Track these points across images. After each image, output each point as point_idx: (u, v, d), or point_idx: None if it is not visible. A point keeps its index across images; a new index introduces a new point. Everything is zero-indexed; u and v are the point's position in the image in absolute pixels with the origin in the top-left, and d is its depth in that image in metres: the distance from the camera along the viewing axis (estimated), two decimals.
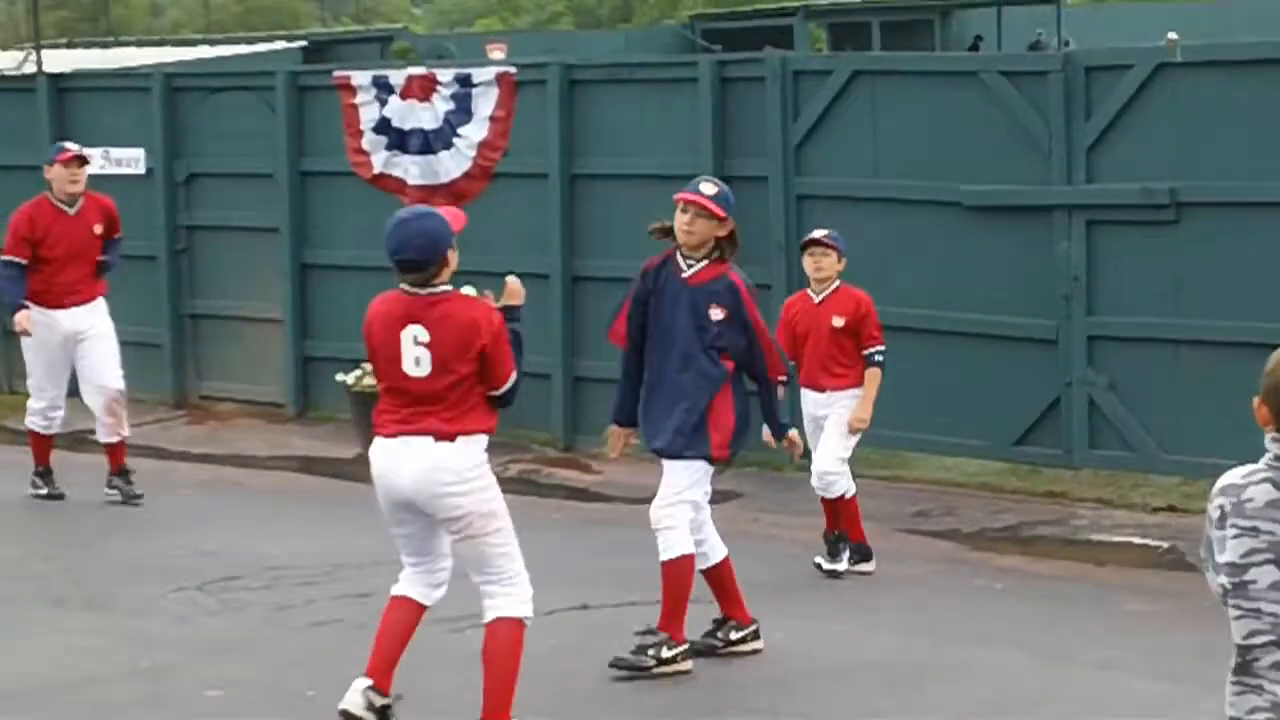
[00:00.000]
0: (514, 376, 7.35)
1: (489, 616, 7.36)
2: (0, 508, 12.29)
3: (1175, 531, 11.19)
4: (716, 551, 8.73)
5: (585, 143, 13.88)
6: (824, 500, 10.40)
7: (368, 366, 14.59)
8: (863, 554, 10.42)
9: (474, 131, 14.33)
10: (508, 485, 11.55)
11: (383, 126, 14.73)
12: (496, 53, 22.53)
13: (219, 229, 15.79)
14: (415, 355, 7.22)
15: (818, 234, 10.59)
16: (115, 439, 12.37)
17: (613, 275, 13.67)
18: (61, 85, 16.53)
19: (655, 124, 13.54)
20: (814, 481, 10.42)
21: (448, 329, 7.21)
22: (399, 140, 14.66)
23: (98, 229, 12.30)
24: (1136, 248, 11.70)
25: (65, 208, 12.18)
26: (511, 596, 7.36)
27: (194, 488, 13.17)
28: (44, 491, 12.42)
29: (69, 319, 12.22)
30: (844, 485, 10.42)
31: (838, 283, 10.52)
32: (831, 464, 10.35)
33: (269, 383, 15.39)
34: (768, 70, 13.01)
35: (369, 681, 7.31)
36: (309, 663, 8.68)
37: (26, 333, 12.11)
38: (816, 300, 10.54)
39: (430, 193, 14.53)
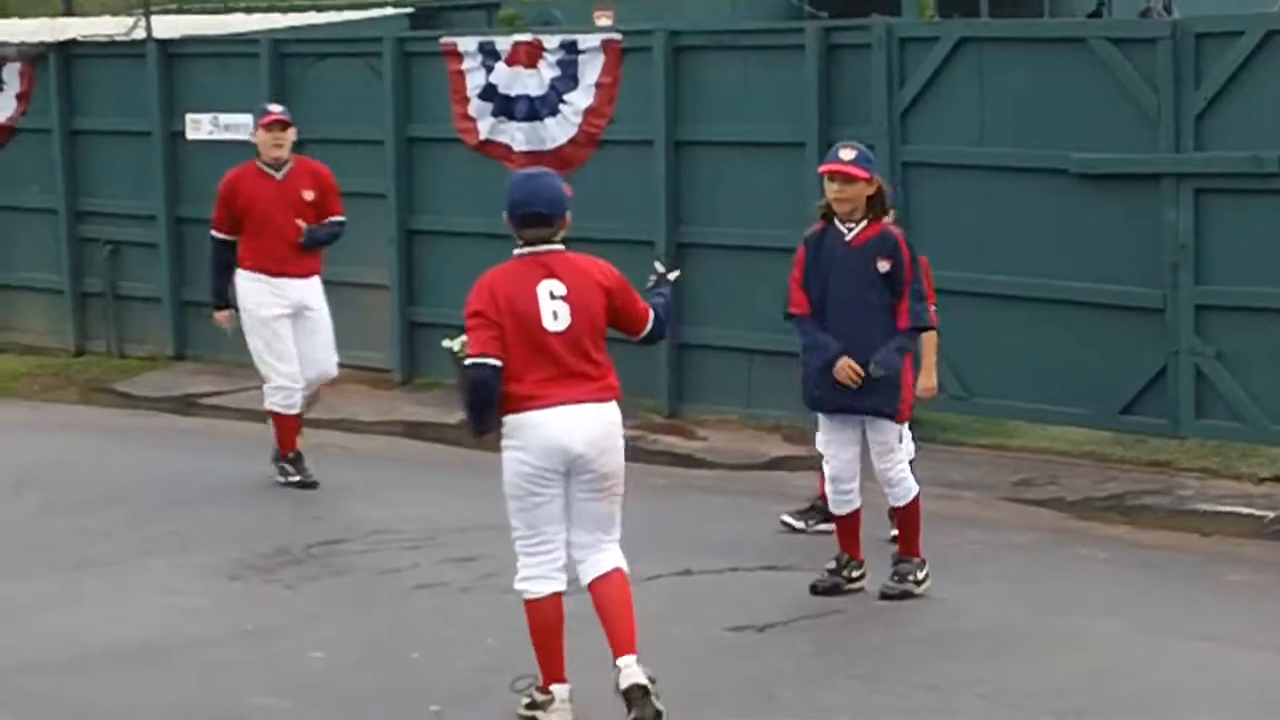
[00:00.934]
0: (652, 316, 7.52)
1: (606, 567, 7.34)
2: (112, 470, 12.45)
3: None
4: (859, 498, 9.23)
5: (690, 110, 13.86)
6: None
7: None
8: (826, 514, 10.25)
9: (580, 98, 14.36)
10: None
11: (489, 93, 14.79)
12: (603, 19, 22.49)
13: None
14: (554, 309, 7.22)
15: None
16: (303, 411, 11.99)
17: (717, 242, 13.71)
18: (171, 51, 16.67)
19: (760, 91, 13.51)
20: None
21: (580, 280, 7.30)
22: (505, 107, 14.72)
23: (307, 195, 11.79)
24: (1245, 216, 11.57)
25: (272, 172, 11.78)
26: (619, 549, 7.42)
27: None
28: (295, 479, 11.73)
29: (294, 289, 11.80)
30: None
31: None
32: None
33: (376, 348, 15.49)
34: (874, 37, 12.94)
35: (566, 688, 7.32)
36: (412, 625, 8.75)
37: (223, 322, 11.97)
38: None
39: (536, 159, 14.56)
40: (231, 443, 13.61)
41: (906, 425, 9.32)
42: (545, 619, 7.30)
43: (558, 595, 7.31)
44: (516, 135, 14.63)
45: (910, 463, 9.42)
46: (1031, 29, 12.38)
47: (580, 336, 7.26)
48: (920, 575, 9.13)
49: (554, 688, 7.32)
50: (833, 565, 9.20)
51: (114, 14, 20.38)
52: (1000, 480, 11.90)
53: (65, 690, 7.76)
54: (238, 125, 16.16)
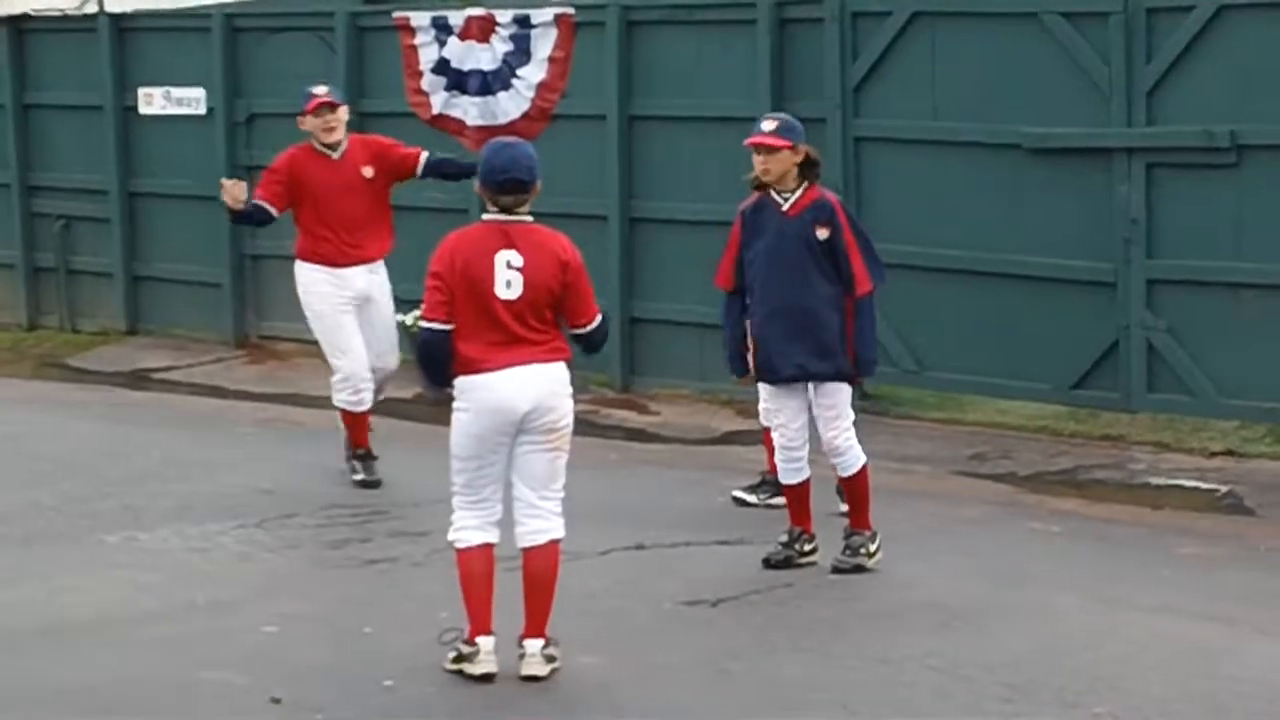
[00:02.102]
0: (600, 317, 7.66)
1: (542, 539, 7.50)
2: (64, 444, 12.40)
3: (1233, 476, 11.16)
4: (808, 468, 9.23)
5: (643, 84, 13.87)
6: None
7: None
8: (777, 488, 10.28)
9: (532, 73, 14.30)
10: None
11: (442, 67, 14.71)
12: None
13: None
14: (507, 279, 7.38)
15: None
16: (368, 407, 11.23)
17: (670, 217, 13.72)
18: (122, 25, 16.60)
19: (713, 65, 13.52)
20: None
21: (541, 254, 7.43)
22: (458, 81, 14.65)
23: (367, 172, 11.12)
24: (1197, 191, 11.63)
25: (328, 152, 11.09)
26: (560, 519, 7.57)
27: (253, 426, 13.27)
28: (360, 477, 11.08)
29: (359, 278, 11.10)
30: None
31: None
32: None
33: None
34: (826, 11, 12.96)
35: (491, 640, 7.44)
36: (365, 600, 8.75)
37: (234, 198, 10.88)
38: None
39: (489, 134, 14.47)
40: (184, 417, 13.57)
41: (848, 390, 9.19)
42: (475, 568, 7.49)
43: (488, 546, 7.52)
44: (470, 110, 14.55)
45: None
46: (983, 3, 12.39)
47: (530, 307, 7.40)
48: (872, 548, 9.14)
49: (479, 639, 7.46)
50: (785, 539, 9.23)
51: None
52: (953, 454, 11.94)
53: (15, 665, 7.72)
54: (190, 99, 16.12)
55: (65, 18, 17.02)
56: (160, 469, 11.60)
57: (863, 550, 9.11)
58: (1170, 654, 7.89)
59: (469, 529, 7.53)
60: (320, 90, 11.27)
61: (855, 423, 9.27)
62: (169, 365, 15.50)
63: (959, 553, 9.62)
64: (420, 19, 14.80)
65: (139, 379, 15.08)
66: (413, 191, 14.86)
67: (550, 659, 7.50)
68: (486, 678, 7.45)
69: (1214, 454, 11.66)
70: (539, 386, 7.41)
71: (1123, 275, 11.87)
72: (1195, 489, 11.02)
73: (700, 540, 9.75)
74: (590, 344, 7.71)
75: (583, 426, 12.67)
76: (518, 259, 7.40)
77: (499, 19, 14.40)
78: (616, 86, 13.85)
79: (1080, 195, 12.00)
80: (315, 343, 15.16)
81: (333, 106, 11.13)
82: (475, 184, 7.59)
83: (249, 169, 15.92)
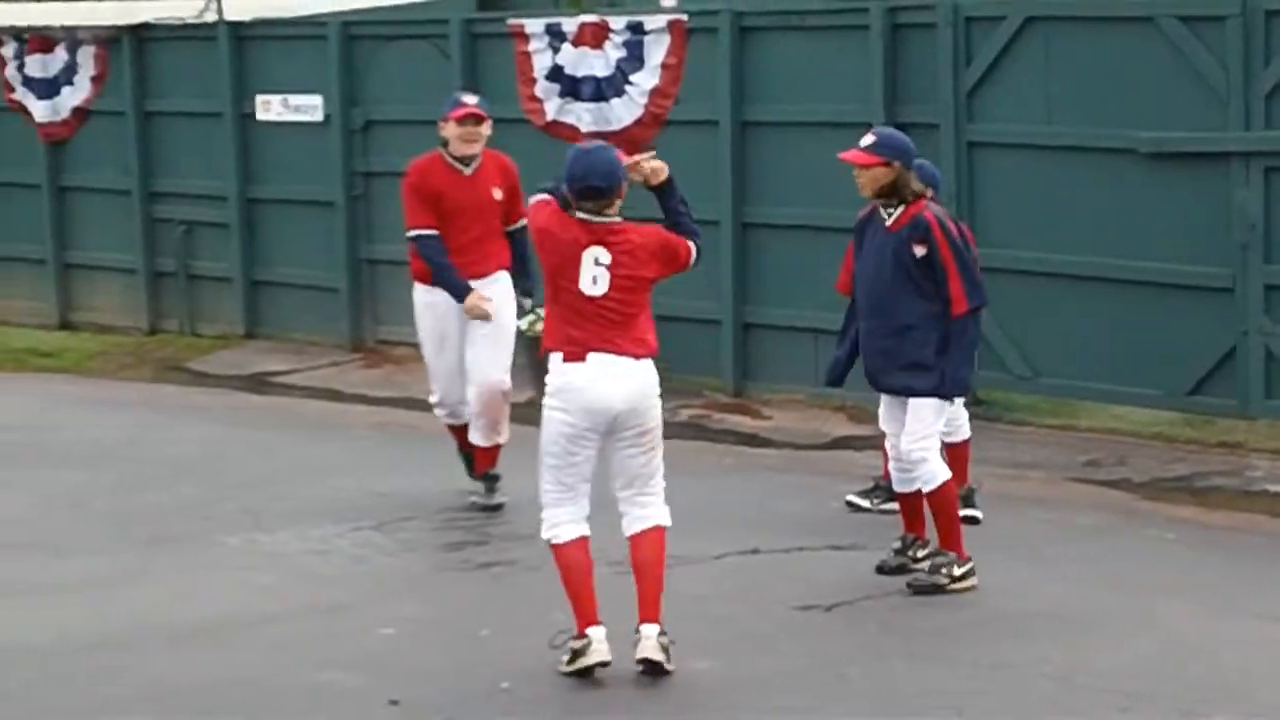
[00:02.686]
0: (692, 246, 7.77)
1: (648, 524, 7.65)
2: (185, 447, 12.56)
3: None
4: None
5: (756, 90, 13.88)
6: None
7: (542, 313, 14.73)
8: (891, 493, 10.13)
9: (646, 79, 14.39)
10: (679, 431, 11.72)
11: (555, 74, 14.84)
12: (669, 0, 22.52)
13: (395, 175, 15.87)
14: (594, 275, 7.54)
15: None
16: (487, 444, 10.65)
17: (782, 222, 13.73)
18: (241, 33, 16.79)
19: (826, 71, 13.51)
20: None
21: (629, 254, 7.57)
22: (572, 88, 14.76)
23: (497, 193, 10.62)
24: None
25: (460, 167, 10.57)
26: (664, 506, 7.72)
27: (369, 430, 13.38)
28: (479, 500, 10.73)
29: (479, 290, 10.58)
30: None
31: None
32: None
33: None
34: (939, 16, 12.92)
35: (601, 629, 7.54)
36: (481, 602, 8.82)
37: (486, 315, 10.41)
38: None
39: (602, 140, 14.60)
40: (302, 420, 13.73)
41: (938, 404, 8.96)
42: (573, 561, 7.61)
43: (584, 539, 7.64)
44: (583, 116, 14.67)
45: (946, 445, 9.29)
46: (1098, 7, 12.31)
47: (617, 303, 7.56)
48: (957, 571, 8.88)
49: (589, 631, 7.54)
50: (898, 545, 9.22)
51: None
52: (1068, 460, 11.88)
53: (136, 665, 7.85)
54: (307, 106, 16.28)
55: (185, 26, 17.23)
56: (278, 472, 11.73)
57: (944, 570, 8.89)
58: None
59: (562, 523, 7.67)
60: (470, 99, 10.75)
61: (971, 429, 9.27)
62: (287, 369, 15.66)
63: (1074, 560, 9.57)
64: (534, 25, 14.92)
65: (257, 383, 15.24)
66: (526, 197, 14.97)
67: (665, 648, 7.53)
68: (603, 665, 7.50)
69: None
70: (631, 383, 7.57)
71: (1240, 280, 11.77)
72: None
73: (813, 545, 9.76)
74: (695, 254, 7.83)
75: (695, 431, 12.80)
76: (606, 256, 7.56)
77: (612, 25, 14.50)
78: (729, 92, 13.87)
79: (1197, 200, 11.91)
80: None
81: (479, 119, 10.58)
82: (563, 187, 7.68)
83: (365, 175, 16.10)
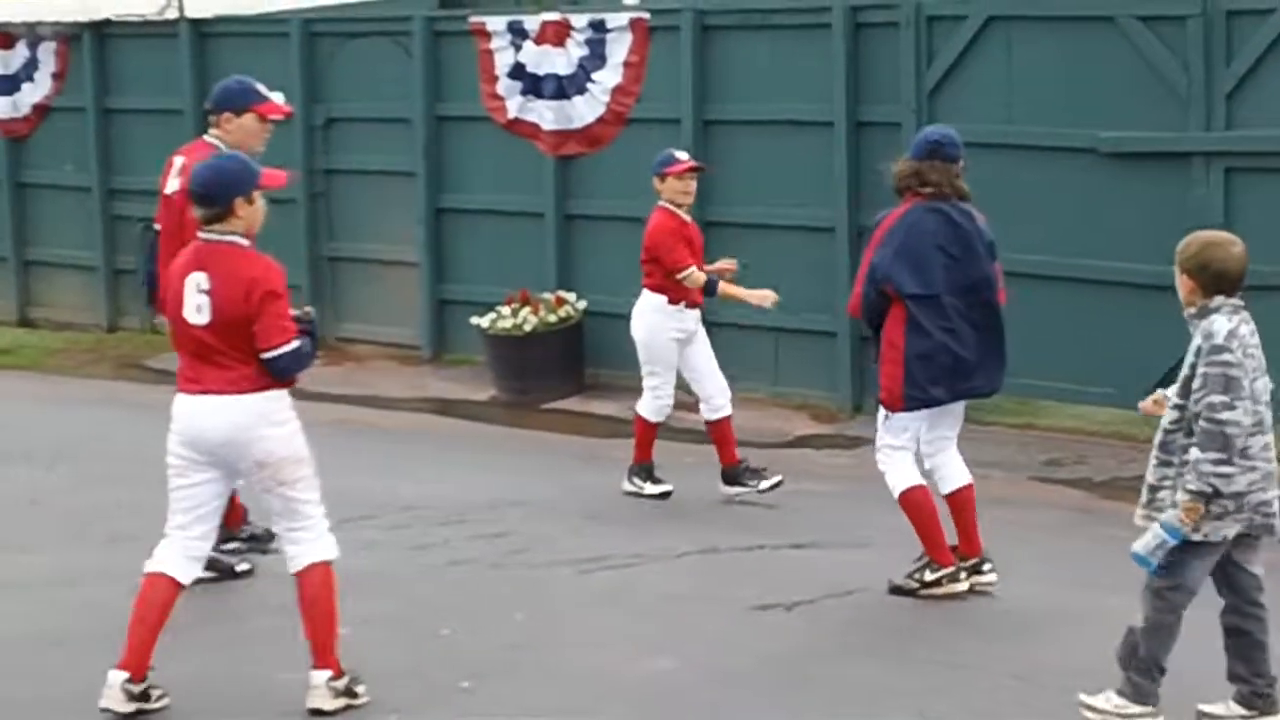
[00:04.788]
0: (290, 345, 7.36)
1: (301, 563, 7.33)
2: (144, 445, 12.48)
3: None
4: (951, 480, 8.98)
5: (718, 88, 13.88)
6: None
7: (503, 310, 14.80)
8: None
9: (607, 77, 14.39)
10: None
11: (517, 72, 14.82)
12: None
13: (356, 173, 15.96)
14: (197, 303, 7.13)
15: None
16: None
17: (744, 221, 13.72)
18: (203, 30, 16.74)
19: (788, 70, 13.52)
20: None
21: (230, 281, 7.14)
22: (533, 86, 14.75)
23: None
24: (1276, 195, 11.55)
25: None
26: (317, 541, 7.37)
27: (330, 428, 13.31)
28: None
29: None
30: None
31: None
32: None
33: (405, 325, 15.55)
34: (901, 16, 12.94)
35: (124, 675, 7.23)
36: (442, 601, 8.80)
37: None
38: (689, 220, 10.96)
39: (564, 138, 14.63)
40: None
41: (884, 414, 8.88)
42: (148, 597, 7.39)
43: (168, 579, 7.40)
44: (545, 114, 14.66)
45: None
46: (1059, 7, 12.34)
47: (218, 335, 7.18)
48: (928, 576, 8.77)
49: (110, 674, 7.25)
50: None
51: None
52: (1028, 460, 11.91)
53: (92, 664, 7.80)
54: None
55: (146, 23, 17.17)
56: None
57: (914, 575, 8.80)
58: None
59: (157, 555, 7.46)
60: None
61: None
62: None
63: (1034, 558, 9.59)
64: (496, 24, 14.91)
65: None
66: (487, 195, 14.96)
67: (338, 692, 7.25)
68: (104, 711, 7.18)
69: None
70: (222, 419, 7.33)
71: None
72: None
73: (774, 544, 9.77)
74: (275, 369, 7.41)
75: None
76: (206, 283, 7.13)
77: (574, 23, 14.49)
78: (691, 90, 13.88)
79: (1157, 200, 11.94)
80: (391, 345, 15.44)
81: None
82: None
83: (327, 173, 16.06)
